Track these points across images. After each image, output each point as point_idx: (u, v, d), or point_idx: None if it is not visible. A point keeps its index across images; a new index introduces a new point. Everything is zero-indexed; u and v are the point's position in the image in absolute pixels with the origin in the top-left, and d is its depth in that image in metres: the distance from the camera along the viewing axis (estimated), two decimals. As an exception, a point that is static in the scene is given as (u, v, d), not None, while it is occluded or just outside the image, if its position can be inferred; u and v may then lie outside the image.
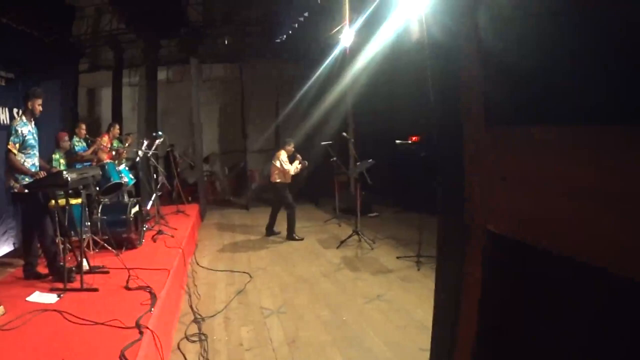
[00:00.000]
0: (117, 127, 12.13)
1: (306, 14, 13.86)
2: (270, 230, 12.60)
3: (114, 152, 11.61)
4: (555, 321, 1.25)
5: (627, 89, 0.98)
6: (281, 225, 12.39)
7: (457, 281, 1.66)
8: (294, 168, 12.01)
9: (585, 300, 1.13)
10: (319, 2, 13.10)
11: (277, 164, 11.90)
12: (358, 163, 12.12)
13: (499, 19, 1.42)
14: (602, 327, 1.07)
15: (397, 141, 9.96)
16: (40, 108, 6.93)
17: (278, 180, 12.00)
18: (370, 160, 11.53)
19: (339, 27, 14.07)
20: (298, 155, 12.23)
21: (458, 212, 1.62)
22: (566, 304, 1.21)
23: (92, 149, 10.74)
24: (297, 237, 12.01)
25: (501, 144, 1.38)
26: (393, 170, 15.32)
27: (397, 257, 9.75)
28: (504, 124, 1.36)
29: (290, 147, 12.27)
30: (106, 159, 10.84)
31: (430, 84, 1.80)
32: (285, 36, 16.24)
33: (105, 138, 11.38)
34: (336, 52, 15.60)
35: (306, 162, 12.32)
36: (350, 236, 11.27)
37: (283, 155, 12.02)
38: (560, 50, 1.20)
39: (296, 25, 14.84)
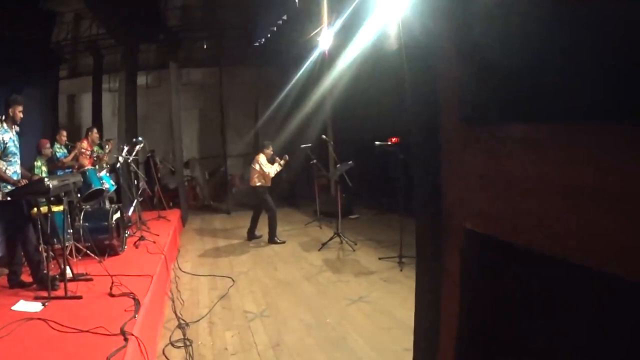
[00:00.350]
0: (96, 131, 12.03)
1: (285, 17, 13.88)
2: (251, 234, 12.59)
3: (95, 157, 11.58)
4: (536, 319, 1.29)
5: (603, 87, 1.02)
6: (262, 229, 12.42)
7: (437, 282, 1.69)
8: (274, 170, 12.02)
9: (564, 296, 1.16)
10: (297, 5, 13.11)
11: (257, 167, 11.90)
12: (338, 165, 12.16)
13: (480, 18, 1.45)
14: (583, 324, 1.12)
15: (377, 143, 10.01)
16: (21, 115, 6.89)
17: (258, 184, 12.00)
18: (350, 162, 11.57)
19: (318, 29, 14.11)
20: (277, 158, 12.23)
21: (436, 212, 1.65)
22: (545, 300, 1.25)
23: (72, 154, 10.72)
24: (278, 241, 12.03)
25: (478, 143, 1.40)
26: (373, 172, 15.37)
27: (379, 259, 9.80)
28: (480, 123, 1.39)
29: (269, 151, 12.30)
30: (88, 165, 10.83)
31: (408, 83, 1.83)
32: (264, 40, 16.22)
33: (85, 143, 11.33)
34: (315, 55, 15.63)
35: (287, 157, 12.33)
36: (331, 238, 11.32)
37: (262, 158, 12.04)
38: (541, 50, 1.24)
39: (275, 28, 14.85)
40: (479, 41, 1.44)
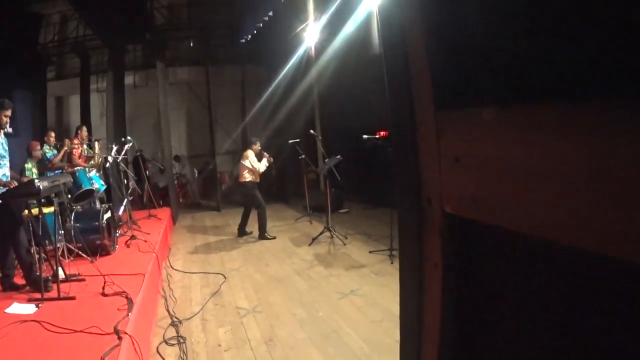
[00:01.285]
0: (85, 129, 12.03)
1: (270, 14, 13.89)
2: (242, 231, 12.65)
3: (87, 154, 11.61)
4: (518, 300, 1.33)
5: (567, 65, 1.06)
6: (252, 226, 12.44)
7: (420, 266, 1.72)
8: (263, 166, 12.10)
9: (543, 275, 1.20)
10: (282, 1, 13.13)
11: (247, 163, 11.94)
12: (326, 160, 12.19)
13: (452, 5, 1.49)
14: (560, 299, 1.15)
15: (365, 136, 10.04)
16: (6, 119, 6.87)
17: (248, 180, 12.06)
18: (338, 156, 11.60)
19: (304, 25, 14.16)
20: (265, 153, 12.31)
21: (415, 198, 1.68)
22: (524, 278, 1.29)
23: (62, 152, 10.76)
24: (269, 236, 12.08)
25: (452, 127, 1.43)
26: (362, 165, 15.41)
27: (370, 252, 9.84)
28: (454, 108, 1.42)
29: (257, 146, 12.36)
30: (82, 163, 10.87)
31: (385, 70, 1.86)
32: (250, 36, 16.24)
33: (75, 141, 11.34)
34: (301, 50, 15.66)
35: (271, 158, 12.46)
36: (322, 233, 11.38)
37: (251, 154, 12.09)
38: (509, 28, 1.28)
39: (261, 25, 14.86)
40: (451, 25, 1.47)
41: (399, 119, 1.77)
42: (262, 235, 12.10)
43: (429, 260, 1.64)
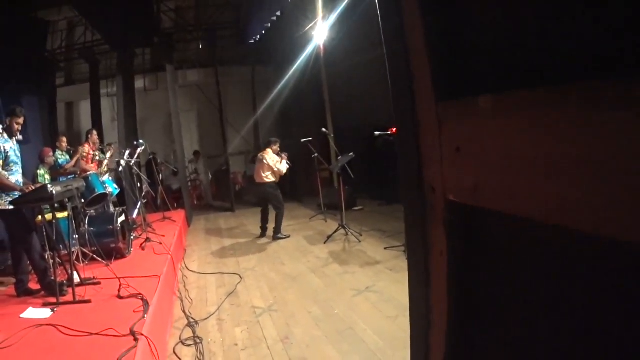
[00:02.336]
0: (95, 133, 12.06)
1: (278, 13, 13.87)
2: (265, 231, 12.59)
3: (97, 161, 11.64)
4: (523, 284, 1.32)
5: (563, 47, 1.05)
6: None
7: (426, 255, 1.72)
8: (284, 167, 12.02)
9: (547, 259, 1.19)
10: (290, 0, 13.11)
11: (271, 163, 11.81)
12: (339, 158, 12.15)
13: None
14: (562, 283, 1.14)
15: (376, 133, 10.00)
16: (18, 127, 6.89)
17: (270, 180, 11.95)
18: (351, 154, 11.56)
19: (312, 24, 14.13)
20: (283, 155, 12.21)
21: (419, 189, 1.67)
22: (528, 263, 1.28)
23: (75, 159, 10.77)
24: (282, 236, 12.04)
25: (452, 117, 1.43)
26: (374, 162, 15.38)
27: (385, 248, 9.81)
28: (454, 98, 1.42)
29: (276, 147, 12.21)
30: (93, 168, 10.90)
31: (387, 62, 1.85)
32: (258, 36, 16.23)
33: (86, 147, 11.37)
34: (310, 49, 15.65)
35: (286, 153, 12.38)
36: (336, 231, 11.36)
37: (271, 154, 11.98)
38: (507, 16, 1.26)
39: (269, 25, 14.85)
40: (450, 15, 1.46)
41: (401, 111, 1.77)
42: (277, 236, 12.05)
43: (435, 248, 1.64)
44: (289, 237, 12.04)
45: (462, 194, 1.42)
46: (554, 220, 1.02)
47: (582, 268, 1.06)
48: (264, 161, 11.92)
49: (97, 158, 11.66)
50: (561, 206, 0.98)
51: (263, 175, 11.93)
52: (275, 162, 11.83)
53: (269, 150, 12.07)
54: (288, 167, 12.20)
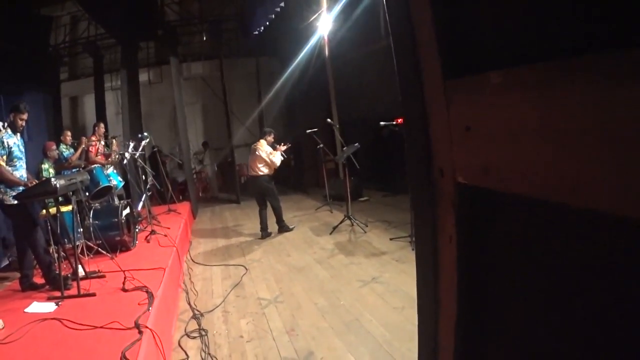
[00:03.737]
0: (102, 125, 12.08)
1: (282, 4, 13.83)
2: (266, 232, 11.84)
3: (105, 150, 11.68)
4: (533, 266, 1.29)
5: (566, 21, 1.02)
6: (271, 227, 12.11)
7: (434, 240, 1.68)
8: (278, 159, 11.65)
9: (559, 240, 1.16)
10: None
11: (263, 155, 11.45)
12: (344, 148, 12.09)
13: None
14: (574, 265, 1.11)
15: (382, 123, 9.96)
16: (21, 123, 6.88)
17: (264, 173, 11.57)
18: (357, 144, 11.52)
19: (316, 14, 14.10)
20: (278, 146, 11.90)
21: (427, 171, 1.64)
22: (540, 245, 1.25)
23: (79, 150, 10.79)
24: (287, 228, 11.88)
25: (460, 96, 1.39)
26: (380, 153, 15.36)
27: (390, 239, 9.78)
28: (461, 76, 1.39)
29: (271, 138, 11.85)
30: (100, 160, 10.92)
31: (392, 42, 1.82)
32: (262, 28, 16.20)
33: (93, 138, 11.39)
34: (314, 40, 15.63)
35: (284, 151, 12.02)
36: (342, 221, 11.35)
37: (265, 146, 11.60)
38: None
39: (273, 16, 14.82)
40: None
41: (408, 91, 1.73)
42: (282, 228, 11.85)
43: (443, 233, 1.60)
44: (294, 228, 11.96)
45: (472, 176, 1.38)
46: (570, 201, 0.98)
47: (602, 251, 1.02)
48: (257, 152, 11.58)
49: (105, 150, 11.68)
50: (577, 185, 0.94)
51: (257, 167, 11.58)
52: (268, 154, 11.52)
53: (262, 142, 11.70)
54: (283, 159, 11.88)
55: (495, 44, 1.29)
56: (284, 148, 11.91)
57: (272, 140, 11.89)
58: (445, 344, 1.74)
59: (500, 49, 1.26)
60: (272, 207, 11.78)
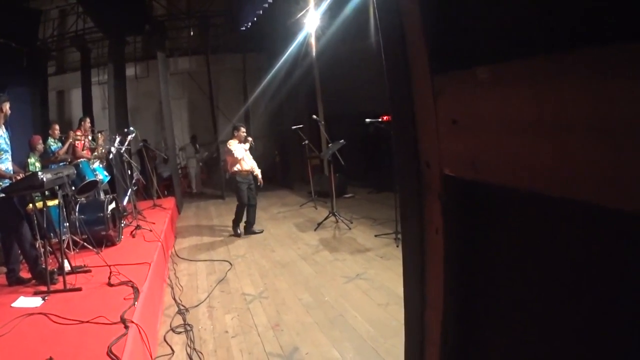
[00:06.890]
0: (88, 120, 12.06)
1: (270, 0, 13.82)
2: (249, 229, 11.66)
3: (90, 146, 11.65)
4: (521, 257, 1.33)
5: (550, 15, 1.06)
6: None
7: (421, 233, 1.72)
8: (240, 153, 11.16)
9: (546, 232, 1.20)
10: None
11: (231, 154, 11.15)
12: (330, 145, 12.11)
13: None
14: (563, 256, 1.15)
15: (367, 120, 9.98)
16: (9, 110, 6.89)
17: (233, 170, 11.31)
18: (342, 141, 11.57)
19: (304, 11, 14.11)
20: (249, 139, 11.46)
21: (414, 164, 1.67)
22: (526, 237, 1.29)
23: (67, 144, 10.78)
24: (235, 231, 11.68)
25: (448, 90, 1.43)
26: (365, 150, 15.40)
27: (375, 236, 9.86)
28: (449, 70, 1.42)
29: (241, 133, 11.43)
30: (86, 155, 10.89)
31: (380, 38, 1.85)
32: (250, 24, 16.18)
33: (79, 133, 11.36)
34: (301, 37, 15.64)
35: (251, 140, 11.54)
36: (327, 218, 11.42)
37: (233, 144, 11.20)
38: None
39: (260, 12, 14.80)
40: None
41: (396, 85, 1.77)
42: (233, 229, 11.72)
43: (430, 225, 1.64)
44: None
45: (459, 168, 1.42)
46: (556, 192, 1.02)
47: (591, 242, 1.06)
48: (227, 154, 11.35)
49: (90, 145, 11.66)
50: (564, 177, 0.99)
51: (229, 165, 11.42)
52: (234, 151, 11.11)
53: (230, 142, 11.29)
54: (247, 149, 11.34)
55: (483, 40, 1.33)
56: (250, 139, 11.43)
57: (244, 134, 11.41)
58: (432, 336, 1.78)
59: (487, 45, 1.31)
60: (236, 205, 11.59)
